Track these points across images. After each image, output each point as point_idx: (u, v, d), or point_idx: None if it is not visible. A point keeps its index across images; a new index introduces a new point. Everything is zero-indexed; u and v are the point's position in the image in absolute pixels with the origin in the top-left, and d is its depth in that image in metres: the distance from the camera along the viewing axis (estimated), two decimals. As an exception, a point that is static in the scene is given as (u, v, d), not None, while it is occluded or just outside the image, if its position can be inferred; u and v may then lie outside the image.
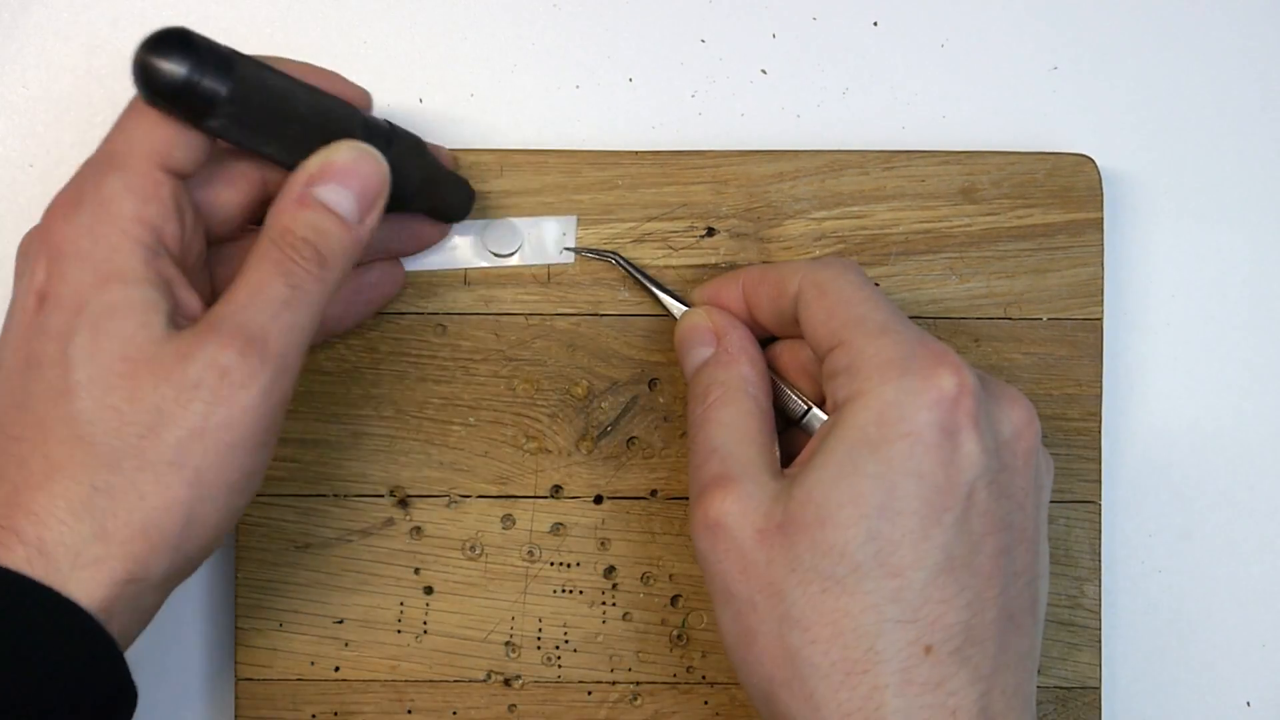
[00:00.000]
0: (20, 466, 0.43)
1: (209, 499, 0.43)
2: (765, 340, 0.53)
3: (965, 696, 0.44)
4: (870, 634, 0.44)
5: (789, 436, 0.51)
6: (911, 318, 0.56)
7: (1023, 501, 0.47)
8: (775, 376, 0.52)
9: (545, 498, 0.56)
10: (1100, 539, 0.56)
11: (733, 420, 0.49)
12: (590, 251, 0.55)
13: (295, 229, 0.44)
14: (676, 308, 0.54)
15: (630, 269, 0.55)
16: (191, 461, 0.43)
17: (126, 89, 0.58)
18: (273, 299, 0.44)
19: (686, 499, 0.56)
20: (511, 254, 0.56)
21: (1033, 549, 0.47)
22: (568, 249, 0.55)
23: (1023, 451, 0.47)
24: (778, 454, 0.49)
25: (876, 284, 0.53)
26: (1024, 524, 0.47)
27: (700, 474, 0.48)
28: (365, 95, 0.50)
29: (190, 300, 0.45)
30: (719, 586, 0.47)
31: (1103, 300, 0.56)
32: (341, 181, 0.45)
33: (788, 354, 0.52)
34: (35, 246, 0.44)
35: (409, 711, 0.55)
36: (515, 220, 0.56)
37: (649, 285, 0.55)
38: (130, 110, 0.45)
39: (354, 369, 0.55)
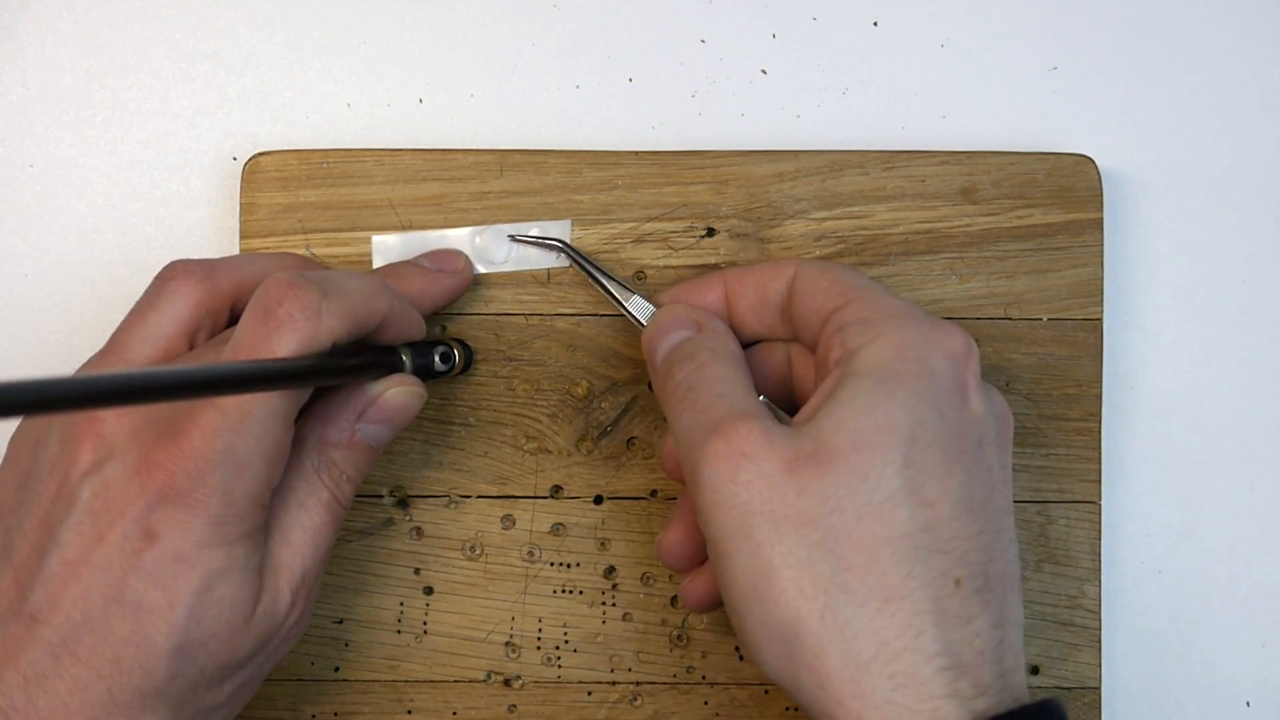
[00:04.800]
0: (78, 691, 0.44)
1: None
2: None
3: (988, 640, 0.44)
4: (907, 560, 0.43)
5: None
6: (911, 318, 0.56)
7: (1007, 479, 0.47)
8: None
9: (545, 498, 0.56)
10: (1100, 539, 0.56)
11: (730, 375, 0.48)
12: (538, 240, 0.55)
13: (343, 467, 0.48)
14: (635, 301, 0.53)
15: (580, 259, 0.54)
16: (239, 700, 0.48)
17: (127, 89, 0.58)
18: (322, 546, 0.48)
19: (686, 499, 0.56)
20: (503, 262, 0.55)
21: (1013, 528, 0.47)
22: (514, 236, 0.55)
23: (1008, 436, 0.48)
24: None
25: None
26: (1009, 502, 0.47)
27: (707, 415, 0.46)
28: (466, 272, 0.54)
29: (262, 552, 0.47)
30: (736, 523, 0.45)
31: (1103, 300, 0.56)
32: (386, 421, 0.49)
33: (756, 359, 0.52)
34: (152, 456, 0.44)
35: (409, 712, 0.55)
36: (506, 228, 0.55)
37: (598, 277, 0.54)
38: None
39: (354, 369, 0.55)
